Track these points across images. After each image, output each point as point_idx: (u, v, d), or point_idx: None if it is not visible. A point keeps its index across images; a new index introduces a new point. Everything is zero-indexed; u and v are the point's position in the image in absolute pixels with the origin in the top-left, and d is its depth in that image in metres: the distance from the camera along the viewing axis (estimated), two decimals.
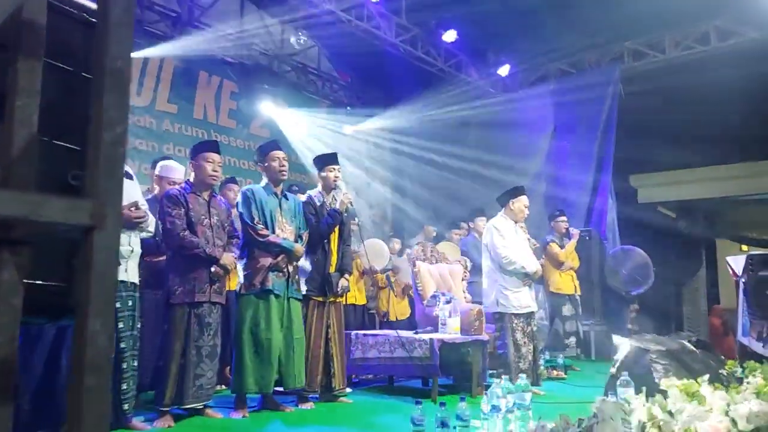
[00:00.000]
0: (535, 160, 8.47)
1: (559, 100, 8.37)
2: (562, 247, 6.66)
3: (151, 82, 7.07)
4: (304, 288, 4.28)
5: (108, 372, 0.88)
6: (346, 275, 4.49)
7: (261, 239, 3.96)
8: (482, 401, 3.16)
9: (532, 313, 4.86)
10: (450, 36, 7.77)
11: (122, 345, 3.26)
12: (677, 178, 8.91)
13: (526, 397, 3.26)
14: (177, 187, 3.89)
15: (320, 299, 4.32)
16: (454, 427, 2.94)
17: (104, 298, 0.88)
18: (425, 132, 9.72)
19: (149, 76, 7.04)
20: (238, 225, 4.19)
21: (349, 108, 8.90)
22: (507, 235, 4.76)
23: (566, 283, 6.55)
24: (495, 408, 3.01)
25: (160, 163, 4.60)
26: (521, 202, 4.91)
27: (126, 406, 3.27)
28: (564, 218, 6.84)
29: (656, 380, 3.20)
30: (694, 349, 3.70)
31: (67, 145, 1.24)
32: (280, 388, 4.05)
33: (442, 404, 2.91)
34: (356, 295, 6.00)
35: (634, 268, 7.28)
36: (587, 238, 7.45)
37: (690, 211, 9.59)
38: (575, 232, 6.73)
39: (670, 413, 2.64)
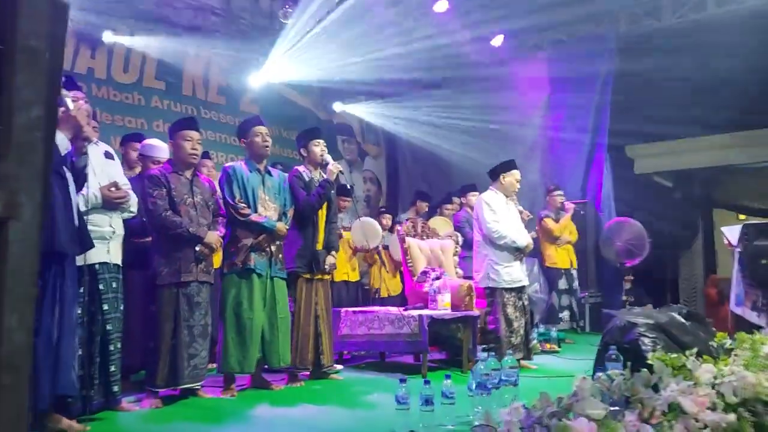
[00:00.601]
0: (530, 131, 8.36)
1: (553, 72, 8.23)
2: (557, 221, 6.63)
3: (137, 59, 6.95)
4: (292, 265, 4.24)
5: (26, 370, 0.83)
6: (333, 252, 4.46)
7: (242, 218, 3.90)
8: (469, 378, 3.14)
9: (524, 287, 4.83)
10: (441, 6, 7.59)
11: (108, 327, 3.23)
12: (674, 147, 8.80)
13: (512, 374, 3.25)
14: (158, 167, 3.83)
15: (308, 276, 4.29)
16: (441, 404, 2.94)
17: (21, 293, 0.83)
18: (418, 104, 9.61)
19: (135, 53, 6.92)
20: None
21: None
22: (498, 209, 4.71)
23: (561, 257, 6.54)
24: (480, 385, 3.00)
25: (144, 142, 4.52)
26: (513, 176, 4.85)
27: (115, 388, 3.26)
28: (560, 192, 6.80)
29: (645, 354, 3.19)
30: (684, 321, 3.68)
31: None
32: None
33: (427, 382, 2.89)
34: (348, 272, 5.98)
35: (629, 239, 7.24)
36: (581, 212, 7.39)
37: (687, 181, 9.51)
38: (570, 206, 6.70)
39: (655, 388, 2.62)
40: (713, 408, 2.56)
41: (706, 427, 2.40)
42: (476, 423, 2.73)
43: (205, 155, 5.43)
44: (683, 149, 8.72)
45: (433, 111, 9.36)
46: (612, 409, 2.35)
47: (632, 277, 7.61)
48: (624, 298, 7.37)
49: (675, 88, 7.39)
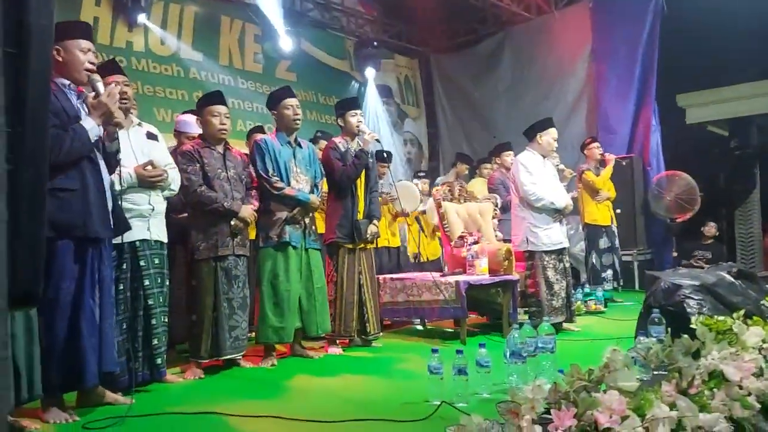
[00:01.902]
0: (573, 85, 8.05)
1: (597, 20, 7.86)
2: (597, 174, 6.42)
3: (174, 31, 7.00)
4: (333, 235, 4.26)
5: (5, 381, 0.84)
6: (375, 221, 4.44)
7: (276, 192, 3.91)
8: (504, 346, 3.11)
9: (564, 249, 4.71)
10: None
11: (150, 302, 3.32)
12: (730, 94, 8.30)
13: (549, 341, 3.20)
14: (191, 142, 3.86)
15: (350, 246, 4.30)
16: (477, 372, 2.92)
17: None
18: (456, 63, 9.39)
19: (171, 25, 6.96)
20: None
21: (375, 43, 8.60)
22: (534, 171, 4.56)
23: (602, 213, 6.34)
24: (515, 353, 2.96)
25: (178, 117, 4.57)
26: (550, 135, 4.67)
27: (159, 361, 3.36)
28: (596, 144, 6.57)
29: (689, 317, 3.08)
30: (734, 280, 3.52)
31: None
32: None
33: (459, 351, 2.87)
34: (389, 238, 5.98)
35: (680, 193, 6.97)
36: (623, 163, 7.10)
37: (744, 129, 9.00)
38: (610, 157, 6.47)
39: (696, 354, 2.52)
40: (760, 374, 2.45)
41: (750, 394, 2.31)
42: (509, 391, 2.71)
43: (259, 129, 5.44)
44: (740, 95, 8.23)
45: (472, 68, 9.13)
46: (646, 378, 2.29)
47: (716, 231, 7.37)
48: (674, 254, 7.15)
49: (729, 29, 6.94)
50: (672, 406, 2.04)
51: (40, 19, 1.02)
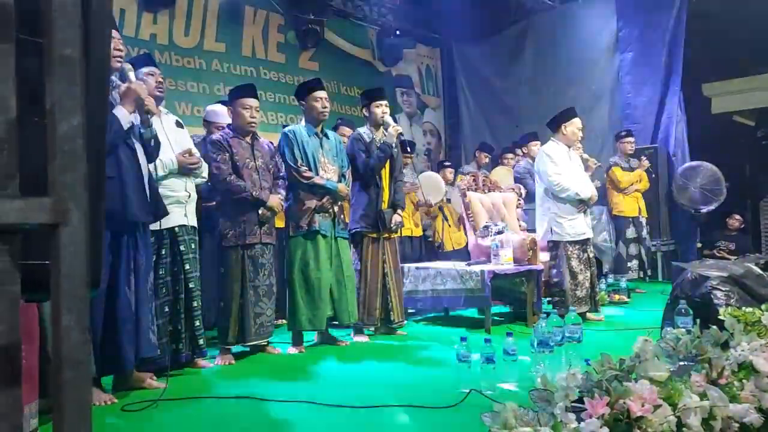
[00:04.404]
0: (596, 75, 7.98)
1: (622, 7, 7.77)
2: (628, 169, 6.39)
3: (198, 23, 7.04)
4: (358, 225, 4.31)
5: (86, 366, 0.89)
6: (399, 211, 4.49)
7: (305, 181, 3.97)
8: (531, 336, 3.14)
9: (588, 239, 4.71)
10: None
11: (191, 285, 3.42)
12: (757, 83, 8.19)
13: (576, 330, 3.22)
14: (220, 132, 3.93)
15: (374, 235, 4.35)
16: (503, 361, 2.95)
17: (75, 294, 0.88)
18: (479, 52, 9.34)
19: (195, 16, 7.01)
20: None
21: (398, 32, 8.59)
22: (559, 161, 4.56)
23: (630, 204, 6.31)
24: (542, 343, 2.99)
25: (208, 108, 4.64)
26: (574, 125, 4.67)
27: (201, 341, 3.49)
28: (631, 139, 6.52)
29: (717, 308, 3.07)
30: (762, 272, 3.51)
31: None
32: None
33: (487, 340, 2.91)
34: (411, 228, 6.01)
35: (705, 183, 6.89)
36: (653, 174, 6.99)
37: None
38: (645, 163, 6.43)
39: (725, 345, 2.53)
40: None
41: None
42: (537, 382, 2.74)
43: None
44: (767, 85, 8.11)
45: (495, 57, 9.08)
46: (675, 368, 2.30)
47: (740, 224, 7.32)
48: (699, 245, 7.08)
49: (757, 18, 6.83)
50: (702, 396, 2.06)
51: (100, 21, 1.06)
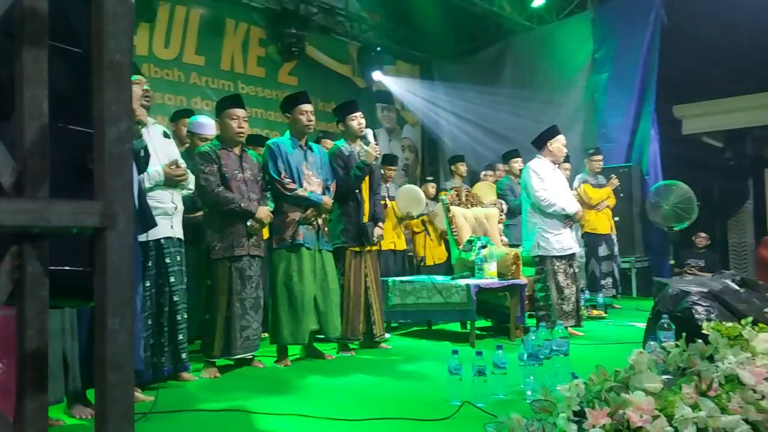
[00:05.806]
0: (573, 95, 8.17)
1: (598, 30, 7.99)
2: (597, 186, 6.54)
3: (179, 34, 7.01)
4: (339, 240, 4.30)
5: (130, 368, 0.89)
6: (380, 224, 4.50)
7: (289, 193, 3.96)
8: (520, 348, 3.17)
9: (574, 254, 4.80)
10: None
11: (175, 298, 3.38)
12: (725, 106, 8.48)
13: (563, 343, 3.27)
14: (208, 144, 3.91)
15: (357, 249, 4.35)
16: (493, 374, 2.98)
17: (121, 297, 0.88)
18: (458, 70, 9.47)
19: (176, 27, 6.98)
20: None
21: (379, 48, 8.67)
22: (546, 177, 4.65)
23: (602, 222, 6.46)
24: (532, 356, 3.02)
25: (192, 120, 4.62)
26: (559, 142, 4.77)
27: (184, 355, 3.45)
28: (599, 157, 6.69)
29: (699, 323, 3.15)
30: (739, 288, 3.61)
31: (83, 129, 1.23)
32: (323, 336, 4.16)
33: (479, 353, 2.93)
34: (395, 241, 6.03)
35: (677, 202, 7.09)
36: (614, 177, 7.18)
37: (738, 141, 9.18)
38: (615, 182, 6.60)
39: (711, 359, 2.60)
40: None
41: (763, 398, 2.39)
42: (531, 395, 2.78)
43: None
44: (735, 108, 8.40)
45: (475, 75, 9.22)
46: (667, 379, 2.36)
47: (707, 241, 7.52)
48: (671, 262, 7.25)
49: (727, 42, 7.09)
50: (693, 407, 2.11)
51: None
